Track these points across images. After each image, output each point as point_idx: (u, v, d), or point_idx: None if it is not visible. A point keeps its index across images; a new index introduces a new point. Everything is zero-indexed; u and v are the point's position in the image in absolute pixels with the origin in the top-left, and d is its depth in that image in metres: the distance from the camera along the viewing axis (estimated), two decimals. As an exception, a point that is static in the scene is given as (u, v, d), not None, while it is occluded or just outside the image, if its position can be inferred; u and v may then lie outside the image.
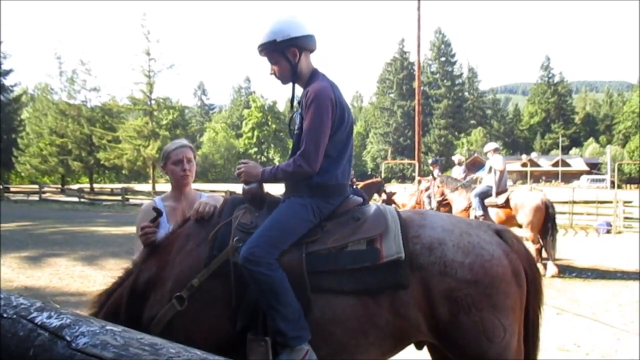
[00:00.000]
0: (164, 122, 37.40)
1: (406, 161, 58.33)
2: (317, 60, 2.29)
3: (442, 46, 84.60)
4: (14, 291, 1.42)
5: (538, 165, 68.69)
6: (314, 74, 2.23)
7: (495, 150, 8.86)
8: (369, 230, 2.07)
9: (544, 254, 7.96)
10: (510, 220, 8.11)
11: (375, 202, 10.10)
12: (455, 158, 12.00)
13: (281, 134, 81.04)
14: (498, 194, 8.40)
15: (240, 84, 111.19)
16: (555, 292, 6.54)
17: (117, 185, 36.89)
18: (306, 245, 2.05)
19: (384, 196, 12.17)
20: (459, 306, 1.94)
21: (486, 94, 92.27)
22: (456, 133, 79.97)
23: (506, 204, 8.27)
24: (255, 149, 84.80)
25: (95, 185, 39.37)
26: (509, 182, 10.37)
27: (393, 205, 11.53)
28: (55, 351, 0.97)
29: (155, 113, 36.12)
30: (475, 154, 63.55)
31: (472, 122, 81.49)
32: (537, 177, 63.44)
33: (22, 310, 1.12)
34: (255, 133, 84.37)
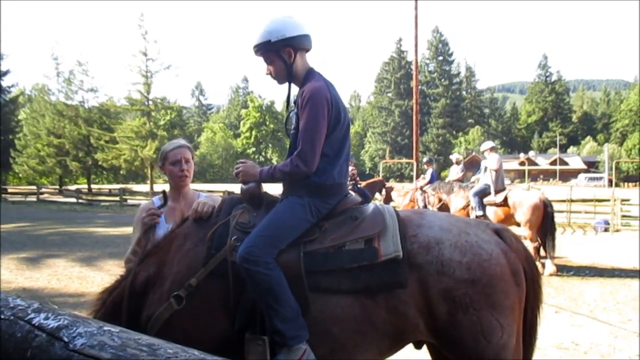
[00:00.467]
0: (162, 122, 37.35)
1: (404, 160, 58.32)
2: (315, 59, 2.29)
3: (440, 45, 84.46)
4: (13, 292, 1.42)
5: (536, 164, 68.73)
6: (310, 74, 2.23)
7: (492, 149, 8.86)
8: (366, 229, 2.07)
9: (542, 253, 7.97)
10: (509, 218, 8.12)
11: (377, 201, 10.25)
12: (453, 157, 12.00)
13: (279, 133, 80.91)
14: (496, 192, 8.42)
15: (237, 84, 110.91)
16: (553, 290, 6.55)
17: (115, 186, 36.82)
18: (304, 245, 2.05)
19: (383, 192, 12.25)
20: (457, 305, 1.93)
21: (484, 93, 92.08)
22: (454, 132, 79.90)
23: (504, 203, 8.29)
24: (253, 149, 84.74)
25: (93, 186, 39.19)
26: (507, 181, 10.39)
27: (391, 203, 11.63)
28: (52, 352, 0.97)
29: (153, 113, 35.98)
30: (473, 153, 63.61)
31: (469, 121, 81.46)
32: (534, 176, 63.49)
33: (19, 311, 1.12)
34: (253, 133, 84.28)
